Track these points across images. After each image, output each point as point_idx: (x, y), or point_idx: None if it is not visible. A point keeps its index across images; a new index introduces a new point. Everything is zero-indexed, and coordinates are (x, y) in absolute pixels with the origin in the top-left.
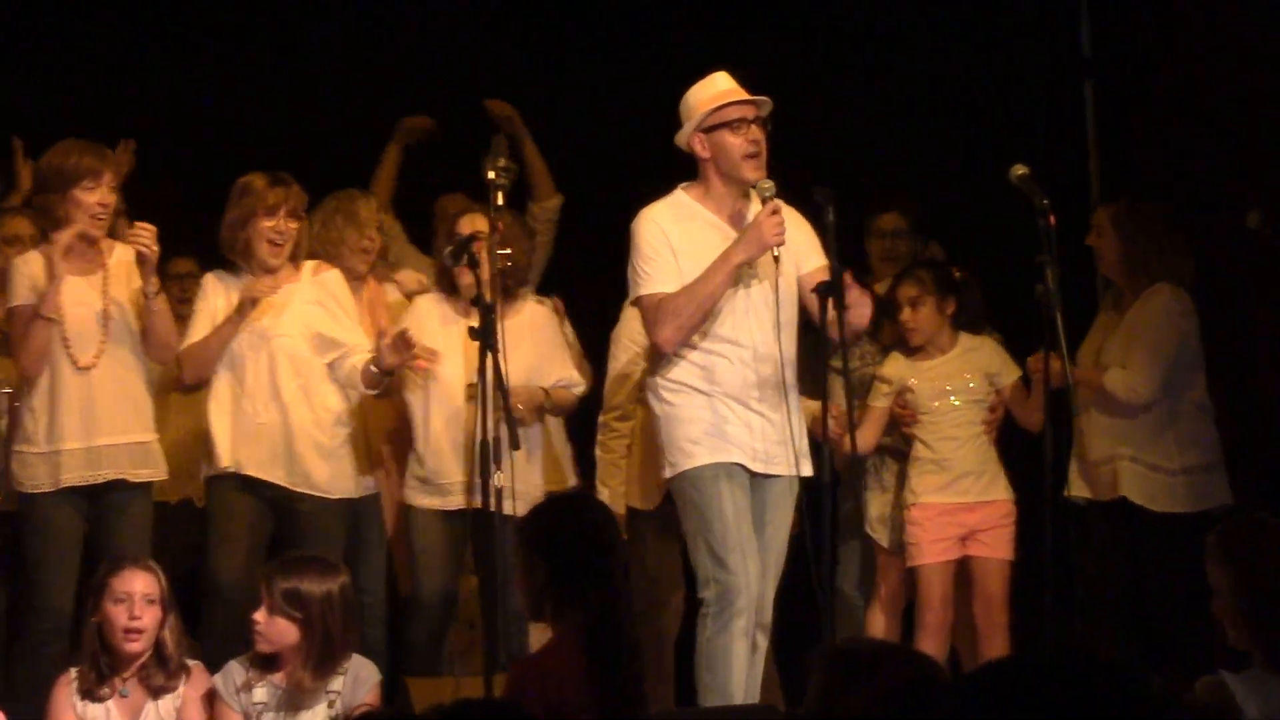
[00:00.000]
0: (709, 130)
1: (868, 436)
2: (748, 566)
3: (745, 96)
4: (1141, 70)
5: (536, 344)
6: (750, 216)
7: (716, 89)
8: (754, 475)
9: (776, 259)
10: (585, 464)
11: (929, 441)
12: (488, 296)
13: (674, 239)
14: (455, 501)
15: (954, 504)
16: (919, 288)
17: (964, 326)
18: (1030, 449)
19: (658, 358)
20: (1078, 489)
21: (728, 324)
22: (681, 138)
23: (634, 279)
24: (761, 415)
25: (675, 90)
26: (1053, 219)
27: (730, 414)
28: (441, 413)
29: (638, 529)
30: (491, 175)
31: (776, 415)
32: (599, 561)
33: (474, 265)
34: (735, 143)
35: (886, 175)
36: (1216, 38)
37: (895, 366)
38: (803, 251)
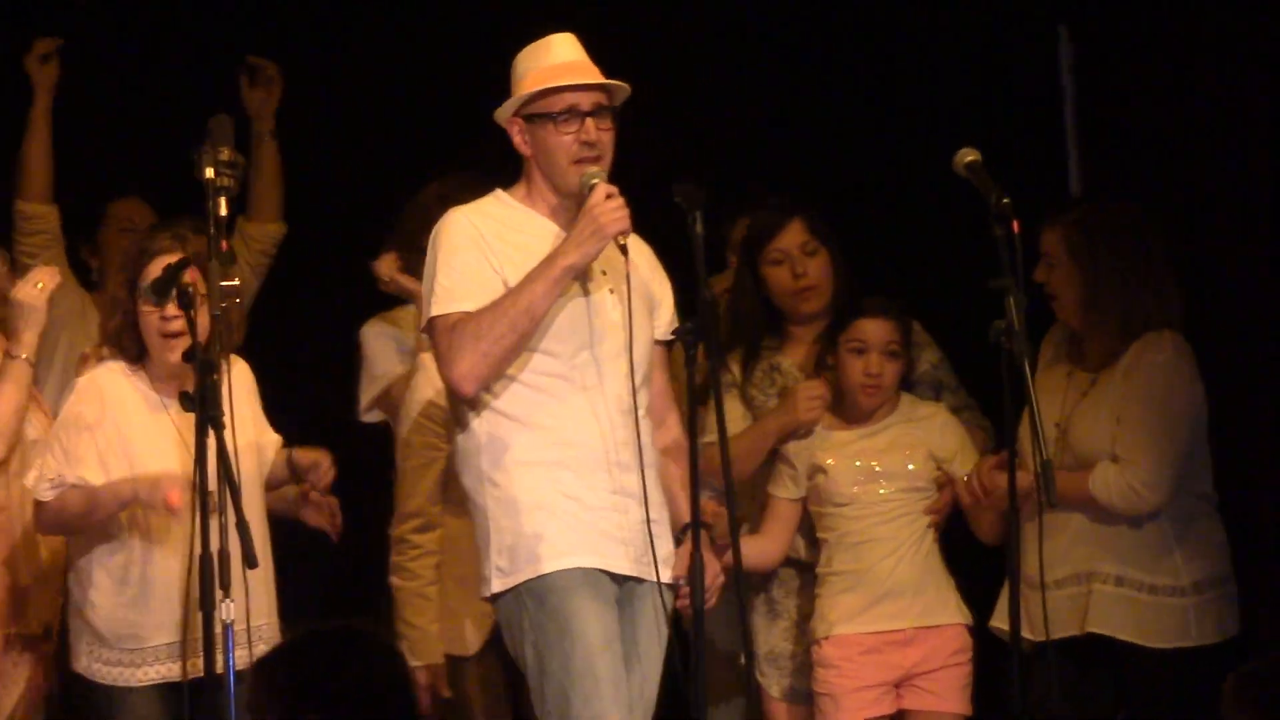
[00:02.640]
0: (530, 119)
1: (771, 544)
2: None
3: (582, 78)
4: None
5: (255, 415)
6: None
7: (548, 61)
8: (618, 583)
9: (623, 250)
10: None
11: (846, 545)
12: (209, 350)
13: (494, 246)
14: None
15: (883, 634)
16: (898, 331)
17: None
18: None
19: (467, 417)
20: (1003, 619)
21: (582, 357)
22: (501, 116)
23: (427, 298)
24: (622, 493)
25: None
26: (1016, 224)
27: (585, 492)
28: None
29: (461, 684)
30: (210, 173)
31: (638, 492)
32: None
33: (187, 305)
34: (561, 143)
35: (775, 163)
36: None
37: (806, 438)
38: (656, 298)
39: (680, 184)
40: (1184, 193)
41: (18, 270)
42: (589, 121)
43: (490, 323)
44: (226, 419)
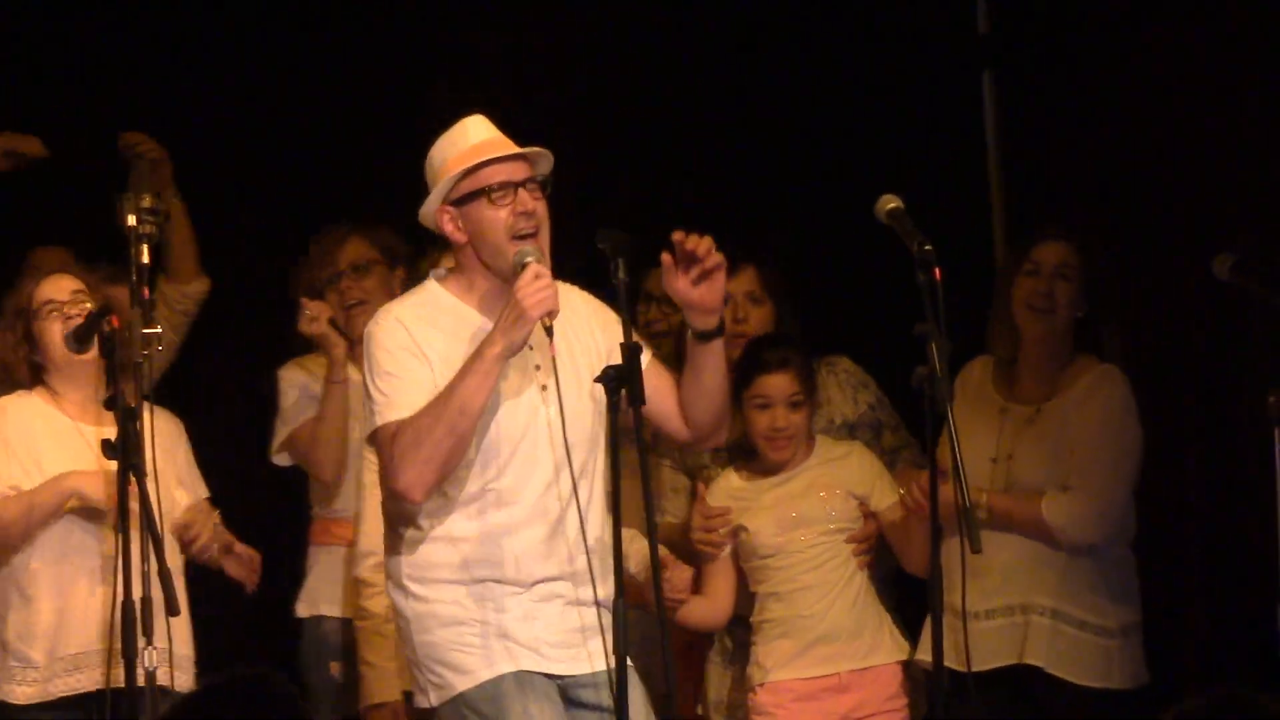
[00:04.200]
0: (461, 202)
1: (714, 604)
2: None
3: (508, 149)
4: (1054, 51)
5: (176, 467)
6: None
7: (467, 143)
8: (559, 684)
9: (549, 331)
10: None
11: (778, 595)
12: (130, 398)
13: (428, 346)
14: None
15: (819, 679)
16: (799, 381)
17: None
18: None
19: (392, 521)
20: (927, 651)
21: (493, 468)
22: (426, 215)
23: (368, 408)
24: (556, 599)
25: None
26: (938, 271)
27: (514, 603)
28: (46, 558)
29: None
30: (133, 221)
31: (579, 592)
32: None
33: (109, 352)
34: (499, 219)
35: (697, 211)
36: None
37: (727, 489)
38: (603, 346)
39: (604, 230)
40: (1106, 238)
41: None
42: (522, 193)
43: (428, 428)
44: (148, 466)
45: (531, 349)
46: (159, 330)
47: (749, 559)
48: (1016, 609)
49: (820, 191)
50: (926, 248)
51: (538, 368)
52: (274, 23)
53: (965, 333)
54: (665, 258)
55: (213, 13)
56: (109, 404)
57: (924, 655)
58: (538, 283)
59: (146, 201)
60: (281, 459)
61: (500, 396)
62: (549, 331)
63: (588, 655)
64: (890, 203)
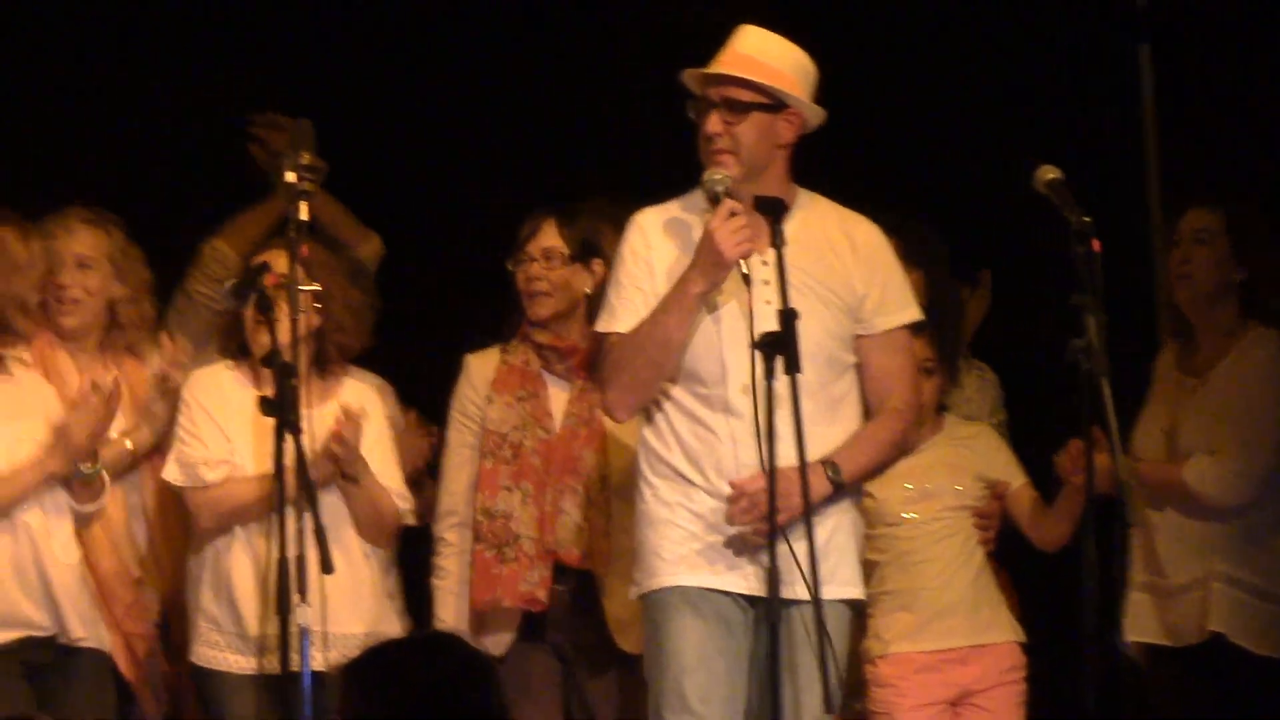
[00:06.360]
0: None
1: None
2: None
3: (709, 67)
4: (1212, 24)
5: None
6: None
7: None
8: (761, 604)
9: (746, 279)
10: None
11: (901, 565)
12: (287, 354)
13: (657, 254)
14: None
15: (938, 653)
16: (931, 349)
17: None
18: (1060, 569)
19: (640, 419)
20: (1141, 630)
21: (737, 383)
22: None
23: (603, 304)
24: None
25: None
26: (1096, 243)
27: (707, 510)
28: (244, 529)
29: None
30: (292, 177)
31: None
32: None
33: (266, 308)
34: (700, 133)
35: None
36: None
37: None
38: (856, 292)
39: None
40: (1265, 212)
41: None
42: (713, 114)
43: (631, 355)
44: (305, 425)
45: (766, 264)
46: (319, 286)
47: (875, 525)
48: (1203, 580)
49: (976, 164)
50: (1085, 219)
51: (766, 283)
52: None
53: (1120, 306)
54: None
55: None
56: (265, 361)
57: (1135, 635)
58: (731, 223)
59: (306, 159)
60: None
61: (719, 307)
62: (746, 280)
63: (790, 581)
64: (1050, 173)
